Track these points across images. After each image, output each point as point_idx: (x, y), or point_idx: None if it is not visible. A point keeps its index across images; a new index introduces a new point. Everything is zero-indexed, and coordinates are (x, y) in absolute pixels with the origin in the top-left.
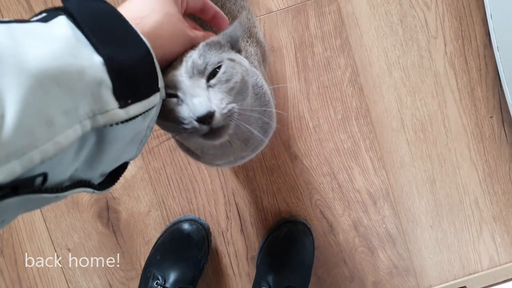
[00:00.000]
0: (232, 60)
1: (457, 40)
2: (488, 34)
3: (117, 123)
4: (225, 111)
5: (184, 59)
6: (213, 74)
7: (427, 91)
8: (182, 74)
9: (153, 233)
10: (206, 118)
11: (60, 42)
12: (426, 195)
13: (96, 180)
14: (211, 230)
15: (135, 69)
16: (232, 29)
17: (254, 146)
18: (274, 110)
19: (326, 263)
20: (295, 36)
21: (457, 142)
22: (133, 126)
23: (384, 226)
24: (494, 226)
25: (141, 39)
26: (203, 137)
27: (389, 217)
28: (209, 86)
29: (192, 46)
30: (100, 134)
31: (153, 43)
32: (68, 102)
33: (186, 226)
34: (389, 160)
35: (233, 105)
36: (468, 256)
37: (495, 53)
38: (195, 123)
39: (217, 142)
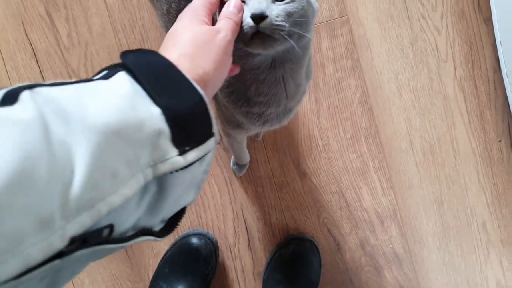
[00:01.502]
0: None
1: (467, 64)
2: (497, 59)
3: (176, 170)
4: (276, 22)
5: None
6: None
7: (436, 113)
8: None
9: (162, 245)
10: (258, 17)
11: (121, 97)
12: (434, 216)
13: (157, 226)
14: (218, 244)
15: (190, 116)
16: None
17: (301, 94)
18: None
19: (332, 281)
20: None
21: (466, 164)
22: (191, 172)
23: (391, 246)
24: (502, 250)
25: (194, 87)
26: (252, 41)
27: (396, 237)
28: (274, 1)
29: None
30: (160, 182)
31: (204, 84)
32: (130, 153)
33: (194, 240)
34: (397, 180)
35: (287, 25)
36: (475, 279)
37: (504, 80)
38: (249, 19)
39: (265, 51)
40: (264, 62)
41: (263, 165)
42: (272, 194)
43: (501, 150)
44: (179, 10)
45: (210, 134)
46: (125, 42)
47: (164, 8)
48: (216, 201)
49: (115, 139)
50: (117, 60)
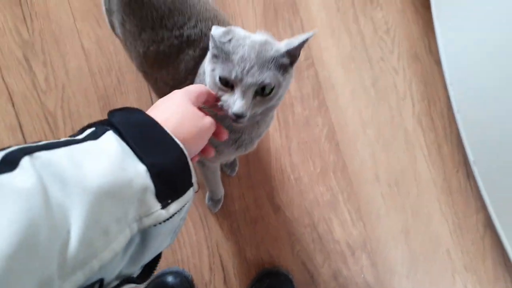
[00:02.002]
0: (281, 85)
1: (424, 101)
2: (449, 97)
3: (160, 223)
4: (251, 115)
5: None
6: (262, 90)
7: (398, 147)
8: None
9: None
10: (238, 115)
11: (111, 158)
12: (402, 245)
13: (136, 273)
14: (194, 282)
15: (173, 169)
16: (294, 47)
17: (270, 121)
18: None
19: None
20: None
21: (428, 194)
22: (172, 222)
23: (363, 276)
24: (466, 275)
25: (175, 141)
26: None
27: (367, 267)
28: (254, 97)
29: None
30: (144, 234)
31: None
32: (120, 210)
33: (170, 279)
34: (366, 211)
35: (260, 111)
36: None
37: (455, 116)
38: (230, 112)
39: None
40: (243, 128)
41: (238, 200)
42: (247, 228)
43: (459, 180)
44: (158, 52)
45: (190, 184)
46: (102, 85)
47: (141, 50)
48: (191, 238)
49: (107, 199)
50: (93, 102)
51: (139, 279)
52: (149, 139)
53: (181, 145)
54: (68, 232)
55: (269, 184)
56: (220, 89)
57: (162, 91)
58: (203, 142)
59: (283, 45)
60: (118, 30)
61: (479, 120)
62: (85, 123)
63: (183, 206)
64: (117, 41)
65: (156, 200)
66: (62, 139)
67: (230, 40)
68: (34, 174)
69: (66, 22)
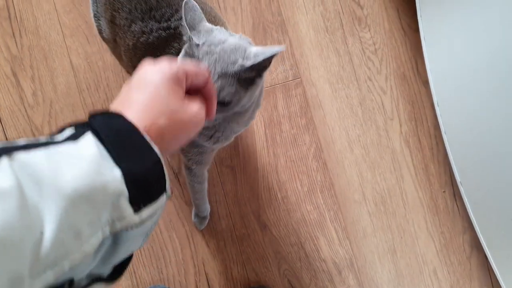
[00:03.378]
0: (241, 98)
1: (411, 122)
2: (436, 117)
3: (131, 228)
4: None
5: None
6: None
7: (385, 166)
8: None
9: None
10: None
11: (88, 162)
12: (388, 264)
13: (106, 273)
14: None
15: (147, 176)
16: (259, 62)
17: (248, 121)
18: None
19: None
20: (264, 115)
21: (415, 214)
22: (143, 227)
23: None
24: None
25: (152, 149)
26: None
27: (353, 286)
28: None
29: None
30: (115, 237)
31: (160, 141)
32: (93, 214)
33: None
34: (352, 230)
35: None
36: None
37: (443, 136)
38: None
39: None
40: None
41: (224, 219)
42: (233, 247)
43: (445, 200)
44: (147, 44)
45: (162, 190)
46: (90, 101)
47: (131, 43)
48: (177, 256)
49: (81, 202)
50: (81, 118)
51: (109, 279)
52: (127, 145)
53: (158, 152)
54: (42, 233)
55: (256, 202)
56: None
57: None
58: (188, 133)
59: (251, 56)
60: (106, 32)
61: (466, 141)
62: None
63: (156, 212)
64: (106, 57)
65: (129, 205)
66: (41, 140)
67: (202, 44)
68: (12, 175)
69: (55, 39)
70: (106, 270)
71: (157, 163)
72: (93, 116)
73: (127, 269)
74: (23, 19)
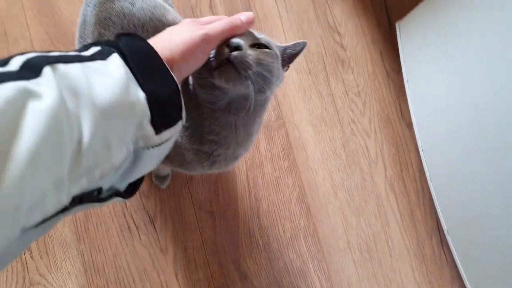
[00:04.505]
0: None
1: (396, 166)
2: (421, 160)
3: (153, 147)
4: (247, 58)
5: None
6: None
7: (370, 212)
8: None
9: None
10: (234, 46)
11: (118, 81)
12: None
13: (122, 189)
14: None
15: (166, 101)
16: (293, 49)
17: (248, 145)
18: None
19: None
20: (246, 156)
21: (401, 262)
22: (161, 148)
23: None
24: None
25: (171, 75)
26: (218, 69)
27: None
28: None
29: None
30: (136, 155)
31: (179, 67)
32: (121, 129)
33: None
34: (336, 280)
35: (254, 66)
36: None
37: (428, 182)
38: (225, 47)
39: (226, 83)
40: (221, 100)
41: (202, 268)
42: None
43: (433, 247)
44: None
45: (180, 117)
46: None
47: None
48: None
49: (112, 118)
50: None
51: (124, 195)
52: (149, 69)
53: (176, 80)
54: (79, 142)
55: (236, 250)
56: None
57: None
58: (198, 53)
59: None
60: None
61: (452, 189)
62: None
63: (172, 136)
64: None
65: (150, 126)
66: (72, 53)
67: None
68: (56, 85)
69: None
70: (123, 186)
71: (175, 90)
72: (119, 36)
73: (139, 189)
74: None
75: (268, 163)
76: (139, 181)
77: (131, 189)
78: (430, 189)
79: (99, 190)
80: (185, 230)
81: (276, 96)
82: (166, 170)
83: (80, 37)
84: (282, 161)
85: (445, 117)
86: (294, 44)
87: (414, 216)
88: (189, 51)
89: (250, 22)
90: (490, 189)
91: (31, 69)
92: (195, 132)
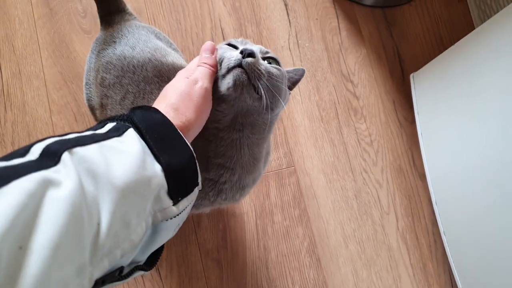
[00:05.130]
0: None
1: (408, 217)
2: (434, 212)
3: (171, 218)
4: (259, 66)
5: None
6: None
7: (382, 265)
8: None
9: None
10: (247, 53)
11: (134, 157)
12: None
13: (143, 261)
14: None
15: (183, 171)
16: (294, 74)
17: (257, 175)
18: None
19: None
20: (256, 203)
21: None
22: (179, 218)
23: None
24: None
25: (187, 144)
26: (228, 73)
27: None
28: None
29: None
30: (155, 227)
31: (187, 129)
32: (139, 205)
33: None
34: None
35: (265, 76)
36: None
37: (442, 237)
38: (238, 53)
39: (234, 91)
40: (226, 115)
41: None
42: None
43: None
44: (134, 101)
45: (196, 184)
46: None
47: (118, 97)
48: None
49: (130, 195)
50: None
51: (146, 267)
52: (165, 140)
53: (191, 148)
54: (99, 224)
55: None
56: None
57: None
58: (204, 108)
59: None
60: (94, 98)
61: (468, 245)
62: None
63: (189, 204)
64: None
65: (168, 197)
66: (89, 133)
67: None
68: (75, 171)
69: (41, 115)
70: (143, 258)
71: (191, 158)
72: (133, 110)
73: (160, 258)
74: (10, 93)
75: (278, 212)
76: (159, 251)
77: (152, 260)
78: (444, 243)
79: (121, 269)
80: (191, 278)
81: (288, 143)
82: None
83: (86, 83)
84: (292, 209)
85: (460, 171)
86: (294, 70)
87: (426, 270)
88: (200, 109)
89: (213, 50)
90: (509, 247)
91: (50, 157)
92: (200, 160)
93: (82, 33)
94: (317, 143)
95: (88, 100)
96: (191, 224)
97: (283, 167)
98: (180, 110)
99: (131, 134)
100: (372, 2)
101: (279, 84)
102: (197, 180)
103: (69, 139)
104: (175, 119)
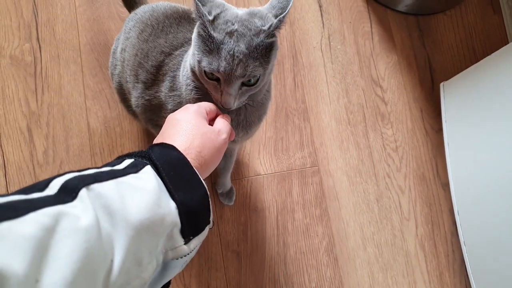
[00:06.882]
0: (265, 72)
1: (427, 225)
2: (454, 222)
3: (181, 257)
4: (238, 105)
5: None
6: (248, 81)
7: (398, 269)
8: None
9: None
10: (225, 108)
11: (150, 194)
12: None
13: None
14: None
15: (197, 209)
16: (287, 13)
17: (262, 114)
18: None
19: None
20: (278, 200)
21: None
22: (188, 257)
23: None
24: None
25: (201, 181)
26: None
27: None
28: (240, 88)
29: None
30: (165, 264)
31: (203, 169)
32: (152, 243)
33: None
34: None
35: (244, 99)
36: None
37: (462, 247)
38: (218, 102)
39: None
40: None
41: None
42: None
43: None
44: (153, 32)
45: (208, 222)
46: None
47: (137, 33)
48: None
49: (144, 233)
50: None
51: None
52: (180, 178)
53: (205, 185)
54: (112, 261)
55: None
56: (205, 81)
57: (155, 59)
58: (221, 155)
59: (270, 17)
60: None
61: (489, 258)
62: None
63: (199, 244)
64: (124, 124)
65: (180, 236)
66: (107, 169)
67: (216, 20)
68: (91, 207)
69: (76, 99)
70: None
71: (205, 195)
72: (152, 147)
73: None
74: (48, 76)
75: (299, 209)
76: (166, 285)
77: None
78: (463, 254)
79: None
80: (210, 268)
81: (313, 143)
82: (228, 183)
83: (113, 52)
84: (313, 208)
85: (486, 183)
86: (280, 3)
87: (442, 279)
88: (218, 158)
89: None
90: None
91: (68, 192)
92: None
93: (120, 21)
94: (342, 145)
95: (112, 70)
96: (214, 216)
97: (307, 166)
98: (202, 153)
99: (148, 170)
100: (406, 9)
101: (258, 84)
102: (209, 218)
103: (87, 175)
104: (196, 160)
